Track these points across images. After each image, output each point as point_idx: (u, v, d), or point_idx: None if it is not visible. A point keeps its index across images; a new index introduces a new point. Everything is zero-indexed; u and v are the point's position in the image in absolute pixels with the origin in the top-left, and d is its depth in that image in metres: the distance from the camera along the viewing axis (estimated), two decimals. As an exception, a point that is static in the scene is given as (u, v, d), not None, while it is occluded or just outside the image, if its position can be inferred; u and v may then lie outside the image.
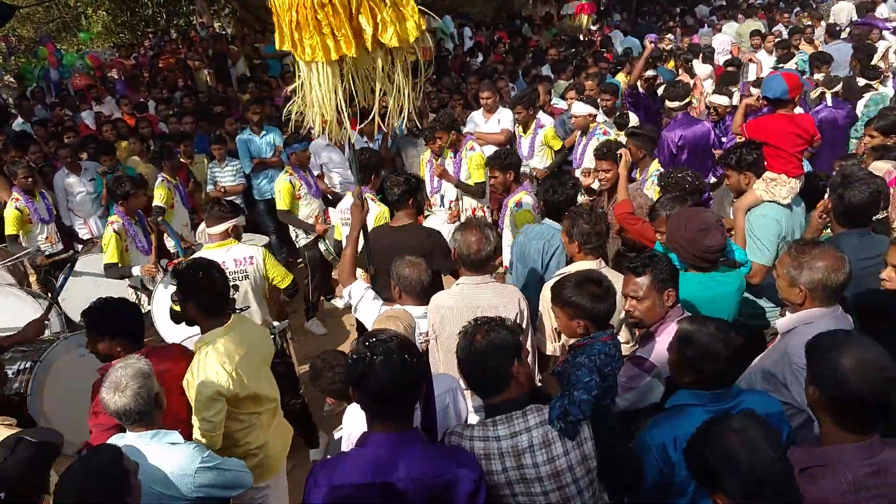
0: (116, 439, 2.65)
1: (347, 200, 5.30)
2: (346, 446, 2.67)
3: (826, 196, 3.58)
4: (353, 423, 2.66)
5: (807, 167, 4.82)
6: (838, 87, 7.07)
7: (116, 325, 3.12)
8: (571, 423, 2.19)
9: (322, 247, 6.16)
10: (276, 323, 4.48)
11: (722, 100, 7.10)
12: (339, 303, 7.05)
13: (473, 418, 3.01)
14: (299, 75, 3.05)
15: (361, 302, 3.37)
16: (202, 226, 6.17)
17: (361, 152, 5.42)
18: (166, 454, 2.58)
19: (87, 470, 2.15)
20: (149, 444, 2.59)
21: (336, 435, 2.88)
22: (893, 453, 1.94)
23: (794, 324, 2.70)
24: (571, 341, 2.86)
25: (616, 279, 3.10)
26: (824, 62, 8.02)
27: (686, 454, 2.04)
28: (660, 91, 8.14)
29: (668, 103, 6.42)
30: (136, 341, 3.16)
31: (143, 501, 2.40)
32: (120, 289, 5.54)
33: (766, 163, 3.97)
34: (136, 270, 5.17)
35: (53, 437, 2.34)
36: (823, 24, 12.17)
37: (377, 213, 5.00)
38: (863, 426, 1.97)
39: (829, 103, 6.77)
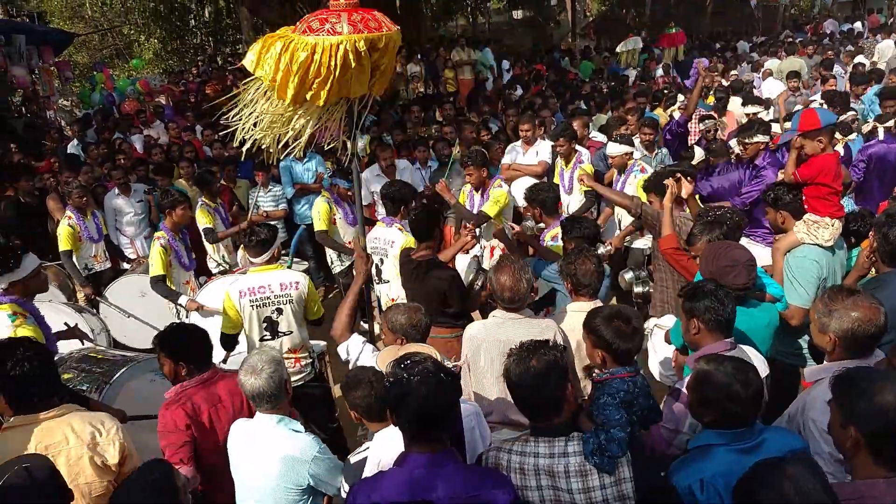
0: (242, 422, 2.94)
1: (380, 230, 5.37)
2: (372, 468, 2.69)
3: (871, 235, 3.54)
4: (383, 447, 2.69)
5: (850, 206, 4.76)
6: (891, 122, 6.94)
7: (184, 349, 3.26)
8: (609, 458, 2.20)
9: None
10: (314, 343, 4.56)
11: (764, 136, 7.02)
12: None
13: None
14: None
15: (361, 356, 3.41)
16: (241, 251, 6.34)
17: (390, 184, 5.51)
18: (289, 439, 2.83)
19: (137, 487, 2.21)
20: (276, 427, 2.85)
21: (353, 459, 2.84)
22: None
23: (821, 374, 2.66)
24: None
25: None
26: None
27: (736, 493, 2.03)
28: (691, 126, 8.10)
29: (762, 137, 5.90)
30: (203, 365, 3.30)
31: (258, 484, 2.76)
32: (161, 305, 5.75)
33: (807, 206, 3.95)
34: (182, 300, 5.35)
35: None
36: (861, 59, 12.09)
37: (403, 242, 5.01)
38: None
39: (881, 137, 6.62)
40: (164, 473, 2.22)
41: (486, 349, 3.25)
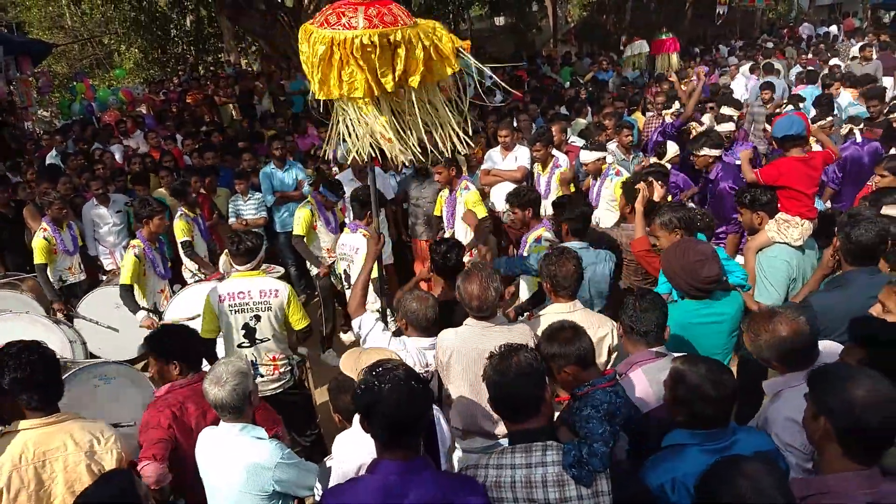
0: (209, 430, 2.95)
1: (346, 237, 5.46)
2: (337, 476, 2.71)
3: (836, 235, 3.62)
4: (344, 452, 2.71)
5: (820, 206, 4.85)
6: (861, 125, 7.04)
7: (175, 349, 3.32)
8: (588, 472, 2.21)
9: (332, 277, 6.27)
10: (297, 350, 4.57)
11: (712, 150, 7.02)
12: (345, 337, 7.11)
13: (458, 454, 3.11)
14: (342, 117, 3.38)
15: (371, 333, 3.43)
16: (223, 257, 6.33)
17: (360, 189, 5.56)
18: (252, 447, 2.85)
19: (99, 496, 2.19)
20: (238, 436, 2.86)
21: (328, 463, 2.89)
22: (892, 486, 1.97)
23: (779, 386, 2.71)
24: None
25: (591, 323, 3.21)
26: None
27: (696, 491, 2.06)
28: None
29: (710, 151, 5.89)
30: (194, 364, 3.36)
31: (223, 493, 2.75)
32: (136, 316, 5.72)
33: (780, 205, 4.03)
34: (140, 315, 5.32)
35: None
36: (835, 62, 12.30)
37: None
38: (868, 456, 2.00)
39: (858, 139, 6.69)
40: (128, 483, 2.20)
41: (457, 358, 3.23)
